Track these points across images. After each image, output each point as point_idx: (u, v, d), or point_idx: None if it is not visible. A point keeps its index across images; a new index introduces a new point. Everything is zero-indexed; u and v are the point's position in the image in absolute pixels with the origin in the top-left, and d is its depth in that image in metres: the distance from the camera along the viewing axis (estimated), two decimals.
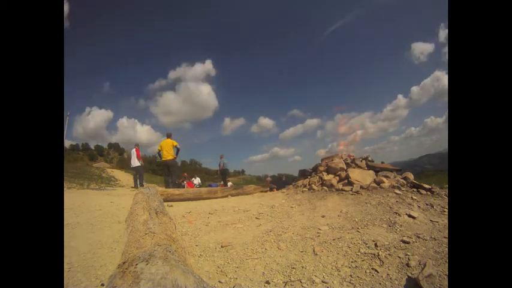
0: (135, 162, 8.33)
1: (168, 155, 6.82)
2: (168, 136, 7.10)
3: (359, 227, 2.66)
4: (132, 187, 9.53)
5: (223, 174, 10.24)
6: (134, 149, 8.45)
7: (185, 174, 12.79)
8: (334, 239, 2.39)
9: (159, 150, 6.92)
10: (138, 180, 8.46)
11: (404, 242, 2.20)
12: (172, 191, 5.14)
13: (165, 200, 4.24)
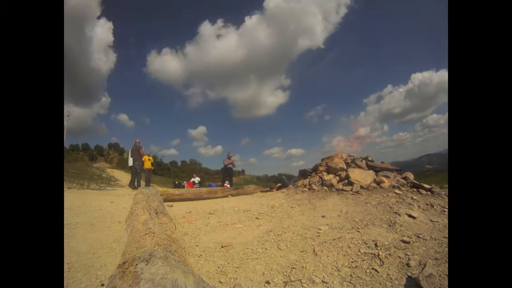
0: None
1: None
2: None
3: (359, 227, 2.66)
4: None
5: (225, 173, 9.61)
6: None
7: (194, 174, 12.90)
8: (334, 239, 2.39)
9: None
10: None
11: (404, 242, 2.19)
12: (172, 191, 5.16)
13: (165, 200, 4.25)
